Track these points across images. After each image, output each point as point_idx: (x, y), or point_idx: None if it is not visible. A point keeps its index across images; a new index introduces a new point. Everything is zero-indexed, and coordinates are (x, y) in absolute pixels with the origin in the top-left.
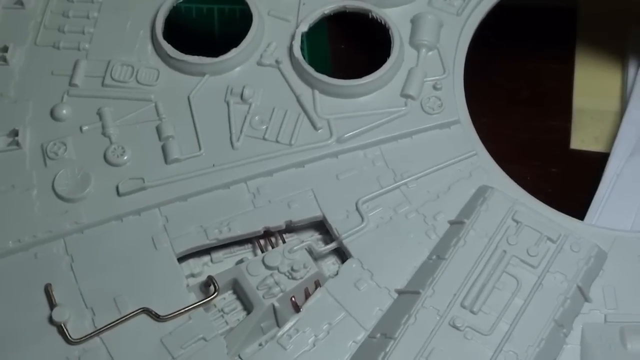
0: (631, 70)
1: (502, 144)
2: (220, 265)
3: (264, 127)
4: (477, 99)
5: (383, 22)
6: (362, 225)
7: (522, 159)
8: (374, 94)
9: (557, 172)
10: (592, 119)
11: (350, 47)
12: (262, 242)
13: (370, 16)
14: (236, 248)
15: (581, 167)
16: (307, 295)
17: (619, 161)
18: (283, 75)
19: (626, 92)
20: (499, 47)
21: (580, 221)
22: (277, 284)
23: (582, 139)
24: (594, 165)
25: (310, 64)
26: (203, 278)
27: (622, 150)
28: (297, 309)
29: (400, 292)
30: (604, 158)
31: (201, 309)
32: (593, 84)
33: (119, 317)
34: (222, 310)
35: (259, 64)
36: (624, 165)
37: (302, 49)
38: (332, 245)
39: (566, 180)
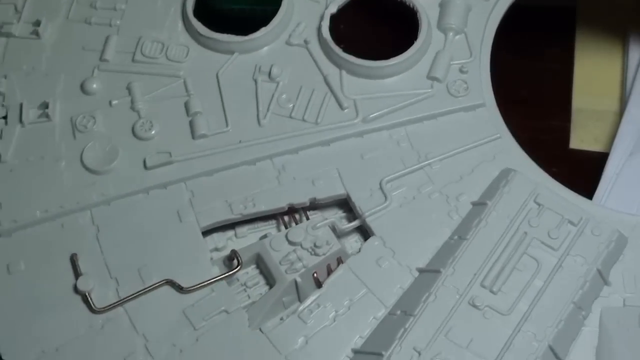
0: (631, 70)
1: None
2: (244, 240)
3: (291, 105)
4: None
5: (411, 5)
6: (386, 204)
7: None
8: (401, 76)
9: (557, 172)
10: (591, 119)
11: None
12: (286, 218)
13: None
14: (260, 223)
15: (581, 167)
16: (329, 272)
17: (618, 161)
18: (311, 55)
19: (626, 91)
20: (499, 47)
21: (601, 206)
22: (299, 259)
23: (582, 139)
24: (593, 165)
25: None
26: (227, 252)
27: (622, 149)
28: (319, 284)
29: (421, 271)
30: (603, 158)
31: (224, 282)
32: (593, 84)
33: (143, 288)
34: (244, 284)
35: (288, 43)
36: (624, 165)
37: None
38: (355, 223)
39: (566, 180)
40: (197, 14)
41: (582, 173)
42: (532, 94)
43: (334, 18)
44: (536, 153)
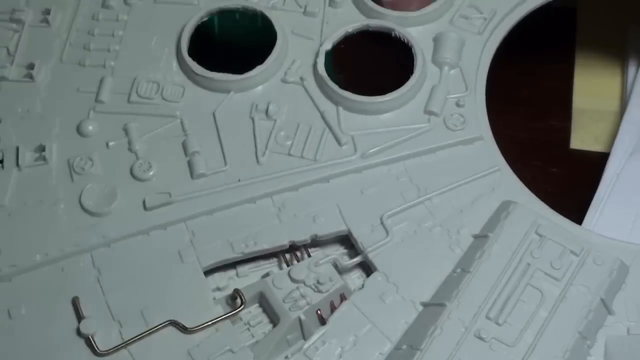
0: (631, 70)
1: (501, 144)
2: (246, 279)
3: (289, 142)
4: None
5: (406, 41)
6: (387, 239)
7: (522, 159)
8: (398, 111)
9: (557, 172)
10: (592, 119)
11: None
12: (287, 256)
13: (393, 35)
14: (262, 262)
15: (581, 167)
16: (333, 309)
17: (619, 161)
18: (307, 92)
19: (626, 91)
20: (499, 47)
21: (602, 236)
22: (303, 296)
23: (582, 139)
24: (594, 165)
25: None
26: (229, 292)
27: (622, 150)
28: (323, 322)
29: (425, 305)
30: (603, 158)
31: (228, 321)
32: (593, 84)
33: (147, 330)
34: (248, 323)
35: (284, 81)
36: (624, 165)
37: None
38: (357, 259)
39: (566, 180)
40: (192, 53)
41: (582, 173)
42: (532, 94)
43: (328, 55)
44: (536, 153)
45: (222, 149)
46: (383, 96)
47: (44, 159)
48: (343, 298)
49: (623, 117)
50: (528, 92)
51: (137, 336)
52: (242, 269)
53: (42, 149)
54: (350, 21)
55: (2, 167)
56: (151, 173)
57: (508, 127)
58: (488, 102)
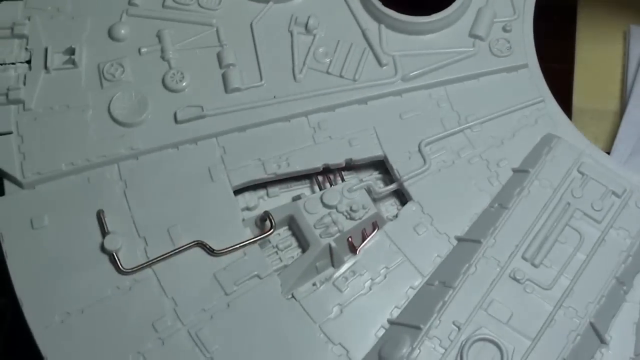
0: (631, 69)
1: None
2: (276, 199)
3: (328, 60)
4: None
5: None
6: (424, 167)
7: None
8: (442, 32)
9: None
10: (592, 119)
11: None
12: (320, 178)
13: None
14: (293, 183)
15: None
16: (364, 237)
17: (619, 161)
18: (349, 7)
19: (626, 92)
20: None
21: None
22: (334, 223)
23: None
24: None
25: None
26: (258, 212)
27: (622, 149)
28: (353, 250)
29: (460, 240)
30: None
31: (256, 245)
32: (593, 84)
33: (172, 249)
34: (276, 246)
35: None
36: (624, 165)
37: None
38: (392, 187)
39: None
40: None
41: None
42: None
43: None
44: None
45: (258, 63)
46: (428, 16)
47: (73, 62)
48: (376, 227)
49: (623, 117)
50: None
51: (162, 255)
52: (272, 189)
53: (71, 51)
54: None
55: (30, 67)
56: (184, 84)
57: None
58: None
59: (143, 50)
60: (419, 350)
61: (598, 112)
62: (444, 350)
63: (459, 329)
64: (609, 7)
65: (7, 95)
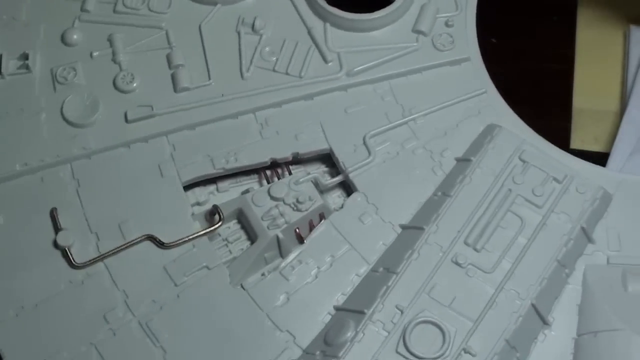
0: (631, 70)
1: None
2: (226, 194)
3: (274, 58)
4: None
5: None
6: (369, 159)
7: None
8: (386, 29)
9: None
10: (592, 119)
11: None
12: (268, 173)
13: None
14: (242, 178)
15: None
16: (312, 228)
17: (618, 161)
18: (295, 7)
19: (626, 92)
20: (499, 47)
21: (587, 162)
22: (281, 215)
23: (582, 139)
24: None
25: None
26: (208, 207)
27: (622, 150)
28: (301, 240)
29: (404, 228)
30: (603, 158)
31: (205, 237)
32: (593, 84)
33: (123, 243)
34: (226, 239)
35: None
36: (624, 165)
37: None
38: (338, 179)
39: None
40: None
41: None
42: (532, 94)
43: None
44: None
45: (206, 63)
46: (372, 13)
47: (27, 67)
48: (322, 217)
49: (623, 117)
50: (528, 92)
51: (113, 250)
52: (222, 184)
53: (25, 57)
54: None
55: None
56: (134, 85)
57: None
58: None
59: (95, 54)
60: (362, 334)
61: (598, 112)
62: (387, 334)
63: (402, 312)
64: (609, 8)
65: None
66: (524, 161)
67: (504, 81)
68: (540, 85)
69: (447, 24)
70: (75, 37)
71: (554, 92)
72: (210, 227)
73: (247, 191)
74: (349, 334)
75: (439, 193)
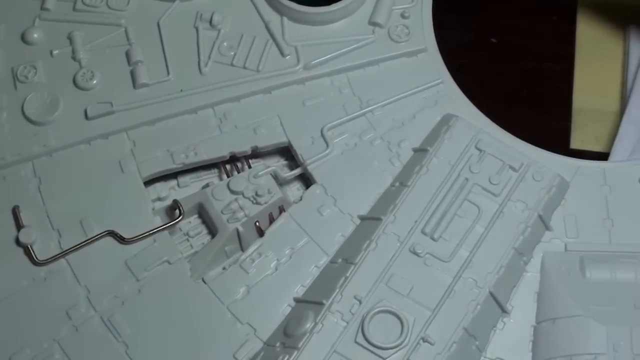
0: (631, 69)
1: None
2: (187, 189)
3: (232, 53)
4: (476, 99)
5: None
6: (327, 151)
7: None
8: (342, 22)
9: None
10: (592, 119)
11: None
12: (227, 167)
13: None
14: (203, 172)
15: None
16: (271, 221)
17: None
18: (252, 2)
19: (626, 92)
20: (499, 47)
21: (543, 150)
22: (241, 208)
23: (582, 139)
24: None
25: None
26: (169, 202)
27: (622, 150)
28: (261, 233)
29: (362, 218)
30: (604, 158)
31: (166, 232)
32: (593, 84)
33: (85, 239)
34: (187, 234)
35: None
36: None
37: None
38: (297, 171)
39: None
40: None
41: None
42: (532, 94)
43: None
44: None
45: (165, 58)
46: (328, 7)
47: None
48: (282, 210)
49: (623, 117)
50: (528, 92)
51: (75, 246)
52: (183, 179)
53: None
54: None
55: None
56: (94, 82)
57: (508, 127)
58: (488, 102)
59: (55, 52)
60: (321, 325)
61: (598, 112)
62: (345, 324)
63: (360, 302)
64: (609, 7)
65: None
66: (480, 150)
67: (504, 81)
68: (540, 85)
69: (403, 16)
70: (35, 35)
71: (553, 91)
72: (170, 222)
73: (207, 185)
74: (308, 325)
75: (397, 183)
